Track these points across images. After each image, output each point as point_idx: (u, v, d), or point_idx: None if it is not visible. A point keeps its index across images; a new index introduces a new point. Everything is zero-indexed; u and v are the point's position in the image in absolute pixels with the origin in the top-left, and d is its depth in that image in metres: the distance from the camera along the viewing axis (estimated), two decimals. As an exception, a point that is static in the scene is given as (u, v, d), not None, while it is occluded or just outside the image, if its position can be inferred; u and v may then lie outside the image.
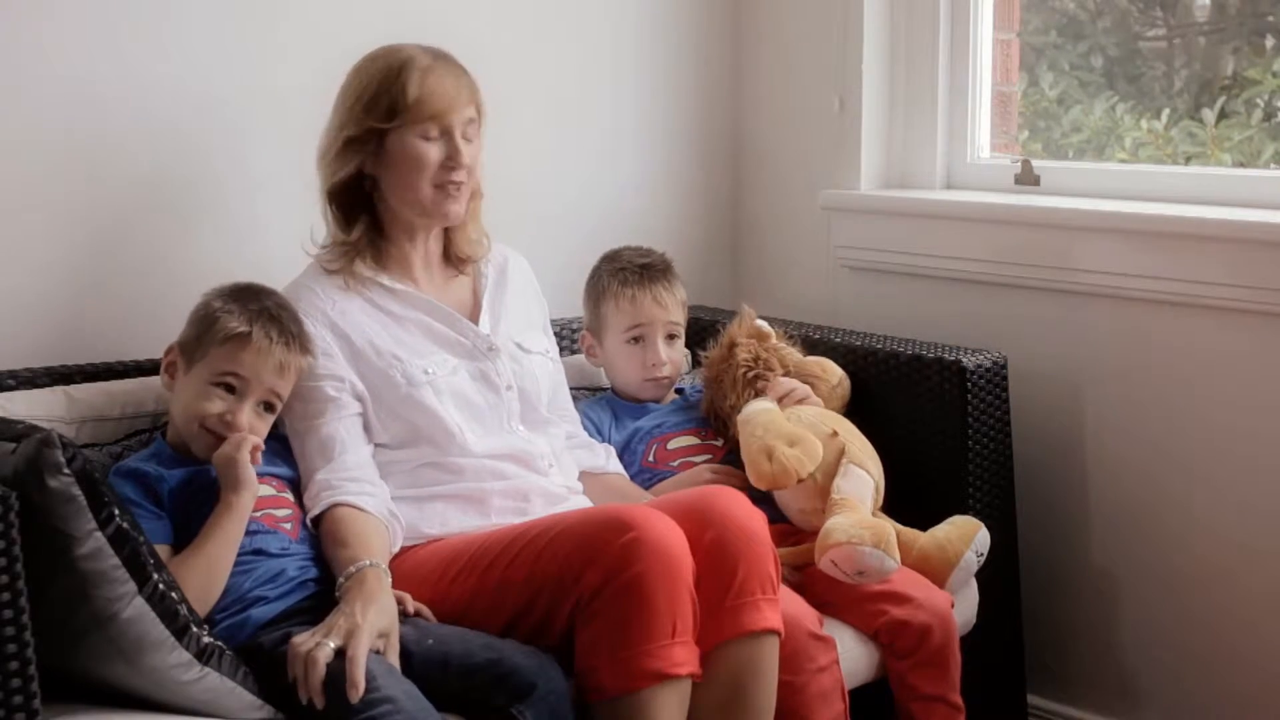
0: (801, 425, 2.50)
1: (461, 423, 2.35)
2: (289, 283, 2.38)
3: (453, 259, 2.50)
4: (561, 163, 3.06)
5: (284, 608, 2.10)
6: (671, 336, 2.74)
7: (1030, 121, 3.26)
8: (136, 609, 1.86)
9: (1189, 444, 2.67)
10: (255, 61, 2.62)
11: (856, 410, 2.70)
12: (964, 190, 3.07)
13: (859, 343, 2.81)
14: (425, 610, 2.16)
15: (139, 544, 1.87)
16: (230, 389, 2.17)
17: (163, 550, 2.04)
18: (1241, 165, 2.93)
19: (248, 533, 2.11)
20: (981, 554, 2.51)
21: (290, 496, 2.25)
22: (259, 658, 2.01)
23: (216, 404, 2.16)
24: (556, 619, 2.11)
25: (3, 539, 1.71)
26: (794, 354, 2.74)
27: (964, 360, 2.65)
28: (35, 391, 2.27)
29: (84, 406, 2.28)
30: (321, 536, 2.20)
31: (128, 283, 2.51)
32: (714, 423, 2.72)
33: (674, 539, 2.08)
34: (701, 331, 2.83)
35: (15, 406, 2.19)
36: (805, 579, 2.43)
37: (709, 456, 2.68)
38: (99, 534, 1.83)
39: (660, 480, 2.63)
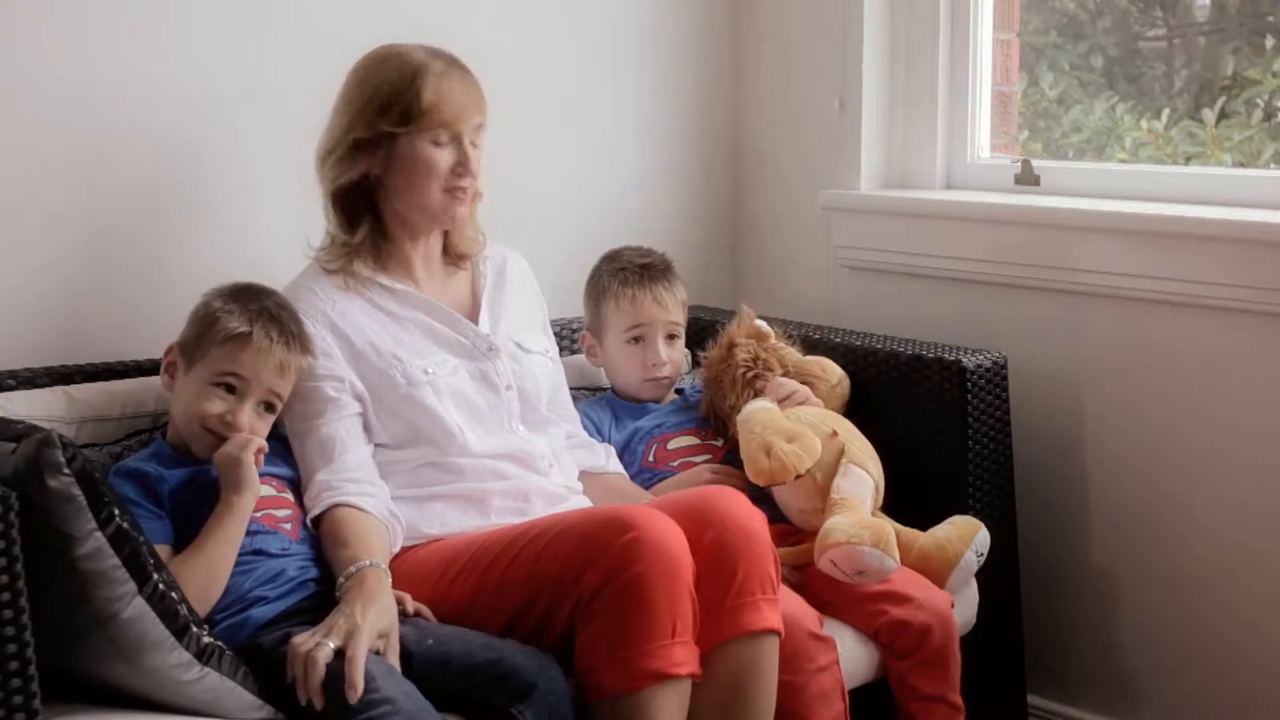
0: (801, 424, 2.50)
1: (462, 423, 2.35)
2: (288, 283, 2.38)
3: (451, 255, 2.51)
4: (561, 163, 3.06)
5: (284, 608, 2.10)
6: (672, 336, 2.74)
7: (1030, 121, 3.26)
8: (136, 609, 1.86)
9: (1189, 444, 2.67)
10: (255, 61, 2.62)
11: (856, 410, 2.70)
12: (964, 190, 3.07)
13: (859, 343, 2.81)
14: (425, 610, 2.16)
15: (139, 544, 1.87)
16: (230, 389, 2.17)
17: (163, 550, 2.04)
18: (1241, 165, 2.93)
19: (248, 533, 2.11)
20: (981, 554, 2.51)
21: (290, 497, 2.25)
22: (259, 658, 2.01)
23: (217, 404, 2.16)
24: (556, 619, 2.11)
25: (3, 539, 1.71)
26: (793, 354, 2.74)
27: (964, 360, 2.65)
28: (35, 391, 2.27)
29: (84, 406, 2.28)
30: (322, 537, 2.20)
31: (128, 283, 2.51)
32: (714, 423, 2.72)
33: (674, 539, 2.08)
34: (701, 331, 2.83)
35: (15, 406, 2.19)
36: (805, 579, 2.43)
37: (709, 456, 2.68)
38: (99, 534, 1.83)
39: (660, 480, 2.63)
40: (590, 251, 2.81)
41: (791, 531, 2.52)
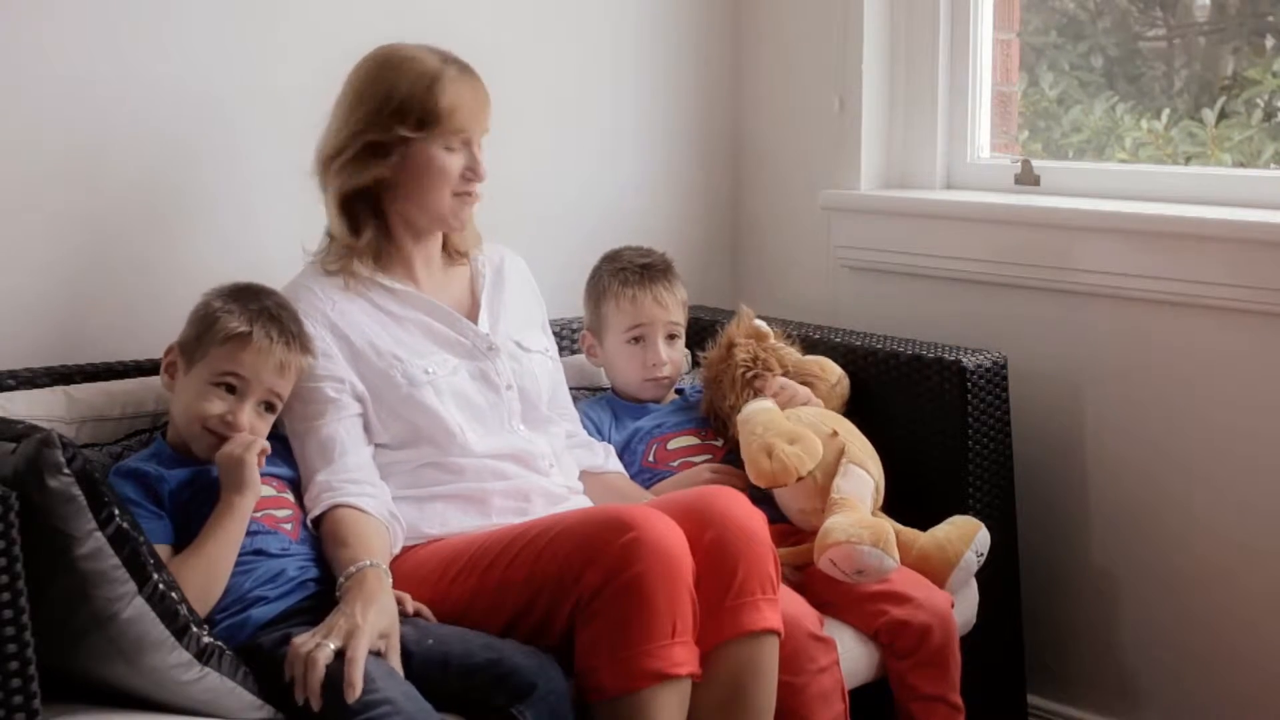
0: (801, 425, 2.50)
1: (462, 422, 2.35)
2: (288, 283, 2.37)
3: (450, 253, 2.51)
4: (561, 163, 3.06)
5: (284, 608, 2.10)
6: (672, 336, 2.74)
7: (1030, 121, 3.26)
8: (136, 609, 1.86)
9: (1189, 444, 2.67)
10: (255, 61, 2.62)
11: (856, 410, 2.70)
12: (964, 190, 3.07)
13: (859, 343, 2.81)
14: (425, 610, 2.16)
15: (139, 544, 1.87)
16: (231, 389, 2.17)
17: (163, 550, 2.04)
18: (1241, 165, 2.93)
19: (248, 533, 2.11)
20: (981, 554, 2.51)
21: (290, 497, 2.25)
22: (259, 658, 2.01)
23: (217, 404, 2.16)
24: (556, 619, 2.11)
25: (3, 539, 1.71)
26: (793, 354, 2.74)
27: (964, 360, 2.65)
28: (35, 391, 2.27)
29: (84, 406, 2.28)
30: (322, 537, 2.20)
31: (128, 283, 2.51)
32: (714, 423, 2.72)
33: (674, 539, 2.08)
34: (701, 331, 2.83)
35: (15, 406, 2.19)
36: (805, 579, 2.43)
37: (709, 456, 2.68)
38: (99, 534, 1.83)
39: (660, 480, 2.63)
40: (590, 251, 2.81)
41: (791, 531, 2.52)
